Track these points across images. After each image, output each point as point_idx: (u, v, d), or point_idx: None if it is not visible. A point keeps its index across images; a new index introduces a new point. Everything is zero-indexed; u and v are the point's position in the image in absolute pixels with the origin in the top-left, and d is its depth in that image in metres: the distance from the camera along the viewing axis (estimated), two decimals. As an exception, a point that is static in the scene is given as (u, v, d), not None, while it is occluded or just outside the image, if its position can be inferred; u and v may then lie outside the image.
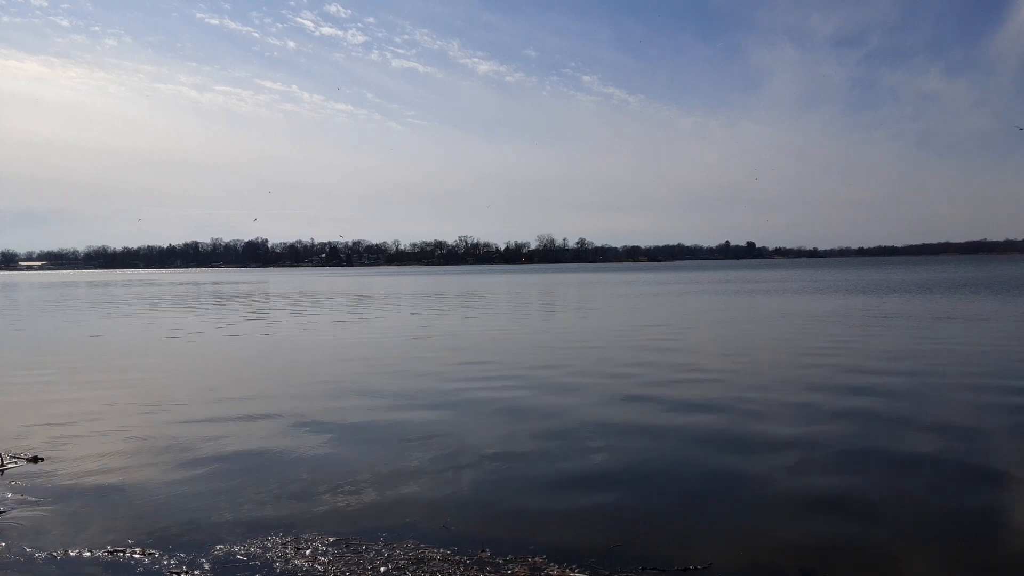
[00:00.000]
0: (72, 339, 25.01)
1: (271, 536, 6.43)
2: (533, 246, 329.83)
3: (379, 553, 6.06)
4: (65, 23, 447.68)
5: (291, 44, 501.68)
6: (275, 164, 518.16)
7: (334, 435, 10.19)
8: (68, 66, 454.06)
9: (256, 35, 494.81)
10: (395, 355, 18.94)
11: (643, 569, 5.73)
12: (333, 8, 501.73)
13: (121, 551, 6.16)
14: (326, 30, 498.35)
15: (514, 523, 6.75)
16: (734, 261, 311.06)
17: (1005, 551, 6.08)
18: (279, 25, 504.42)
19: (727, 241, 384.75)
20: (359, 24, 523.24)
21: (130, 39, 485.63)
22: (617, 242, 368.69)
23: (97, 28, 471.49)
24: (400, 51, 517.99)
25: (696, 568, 5.74)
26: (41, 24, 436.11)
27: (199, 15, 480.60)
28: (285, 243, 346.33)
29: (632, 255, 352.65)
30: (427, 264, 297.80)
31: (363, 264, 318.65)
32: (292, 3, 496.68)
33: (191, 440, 9.93)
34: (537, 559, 5.90)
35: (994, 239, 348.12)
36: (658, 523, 6.73)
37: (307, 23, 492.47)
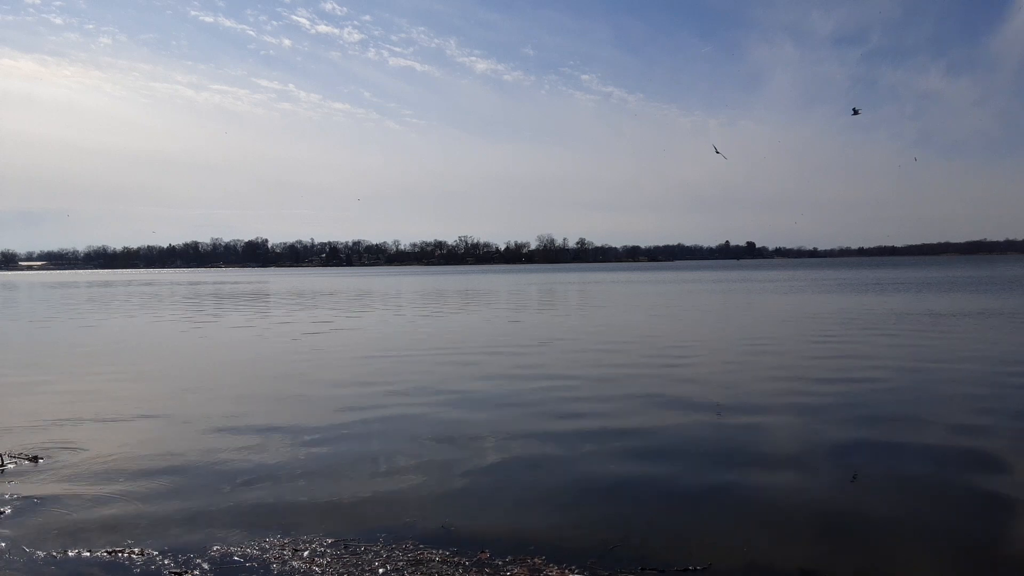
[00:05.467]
0: (72, 339, 25.01)
1: (269, 537, 6.43)
2: (533, 246, 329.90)
3: (378, 554, 6.06)
4: (58, 21, 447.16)
5: (287, 42, 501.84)
6: (274, 164, 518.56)
7: (333, 435, 10.19)
8: (63, 64, 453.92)
9: (251, 33, 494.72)
10: (395, 353, 18.94)
11: (642, 569, 5.73)
12: (328, 6, 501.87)
13: (120, 551, 6.16)
14: (322, 28, 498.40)
15: (513, 523, 6.75)
16: (734, 261, 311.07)
17: (1006, 552, 6.08)
18: (274, 23, 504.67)
19: (727, 241, 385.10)
20: (355, 22, 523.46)
21: (124, 37, 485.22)
22: (617, 242, 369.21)
23: (91, 26, 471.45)
24: (397, 49, 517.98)
25: (695, 568, 5.74)
26: (34, 22, 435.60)
27: (193, 12, 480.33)
28: (285, 243, 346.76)
29: (632, 255, 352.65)
30: (427, 264, 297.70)
31: (363, 264, 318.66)
32: (287, 0, 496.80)
33: (191, 440, 9.93)
34: (536, 560, 5.90)
35: (994, 239, 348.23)
36: (658, 523, 6.73)
37: (303, 21, 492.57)
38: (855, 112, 37.22)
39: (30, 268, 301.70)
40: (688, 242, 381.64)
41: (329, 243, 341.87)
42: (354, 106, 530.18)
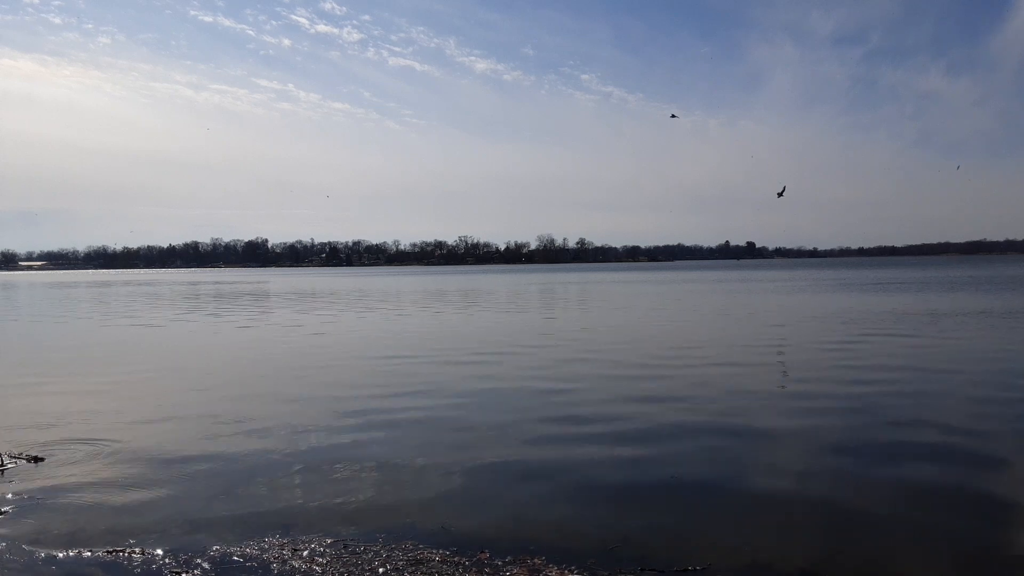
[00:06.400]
0: (73, 340, 25.02)
1: (268, 537, 6.44)
2: (533, 246, 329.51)
3: (377, 554, 6.06)
4: (57, 20, 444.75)
5: (286, 42, 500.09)
6: (274, 164, 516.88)
7: (332, 435, 10.20)
8: (62, 64, 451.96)
9: (251, 32, 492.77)
10: (396, 354, 18.94)
11: (642, 570, 5.74)
12: (328, 5, 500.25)
13: (121, 551, 6.17)
14: (321, 27, 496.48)
15: (513, 524, 6.76)
16: (734, 261, 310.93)
17: (1005, 552, 6.08)
18: (273, 23, 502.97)
19: (727, 241, 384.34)
20: (354, 21, 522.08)
21: (124, 37, 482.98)
22: (617, 242, 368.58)
23: (90, 26, 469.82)
24: (396, 49, 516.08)
25: (695, 568, 5.74)
26: (33, 21, 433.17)
27: (192, 12, 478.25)
28: (285, 243, 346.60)
29: (632, 255, 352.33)
30: (427, 264, 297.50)
31: (363, 264, 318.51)
32: (286, 0, 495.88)
33: (190, 440, 9.94)
34: (536, 560, 5.90)
35: (994, 239, 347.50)
36: (658, 523, 6.74)
37: (302, 20, 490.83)
38: (673, 116, 39.76)
39: (30, 268, 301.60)
40: (688, 242, 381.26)
41: (329, 243, 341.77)
42: (354, 106, 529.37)
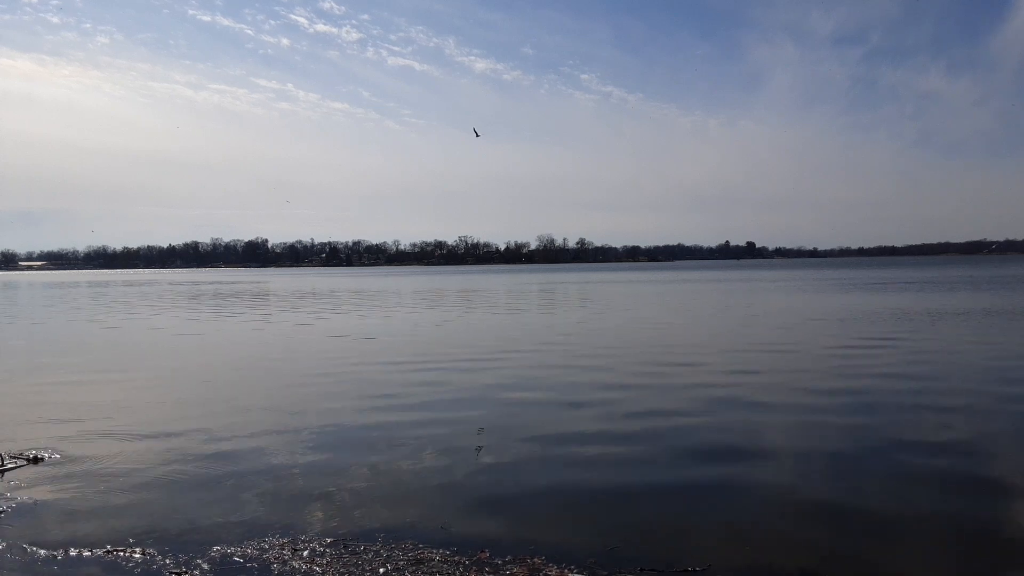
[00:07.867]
0: (73, 340, 25.01)
1: (269, 537, 6.43)
2: (533, 246, 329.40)
3: (377, 554, 6.06)
4: (56, 20, 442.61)
5: (285, 42, 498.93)
6: (274, 164, 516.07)
7: (333, 435, 10.20)
8: (61, 64, 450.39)
9: (250, 32, 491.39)
10: (396, 356, 18.94)
11: (642, 570, 5.74)
12: (326, 5, 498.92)
13: (121, 551, 6.17)
14: (320, 27, 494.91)
15: (513, 524, 6.76)
16: (734, 261, 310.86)
17: (1004, 554, 6.08)
18: (272, 22, 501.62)
19: (727, 241, 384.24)
20: (353, 21, 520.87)
21: (122, 37, 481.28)
22: (617, 242, 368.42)
23: (88, 25, 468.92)
24: (396, 48, 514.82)
25: (695, 569, 5.74)
26: (31, 21, 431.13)
27: (191, 12, 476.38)
28: (285, 243, 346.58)
29: (632, 255, 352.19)
30: (427, 264, 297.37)
31: (363, 264, 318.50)
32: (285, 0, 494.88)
33: (191, 441, 9.93)
34: (536, 560, 5.90)
35: (994, 239, 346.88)
36: (658, 524, 6.73)
37: (301, 20, 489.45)
38: (476, 133, 42.70)
39: (30, 268, 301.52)
40: (688, 242, 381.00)
41: (329, 243, 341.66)
42: (353, 106, 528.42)
